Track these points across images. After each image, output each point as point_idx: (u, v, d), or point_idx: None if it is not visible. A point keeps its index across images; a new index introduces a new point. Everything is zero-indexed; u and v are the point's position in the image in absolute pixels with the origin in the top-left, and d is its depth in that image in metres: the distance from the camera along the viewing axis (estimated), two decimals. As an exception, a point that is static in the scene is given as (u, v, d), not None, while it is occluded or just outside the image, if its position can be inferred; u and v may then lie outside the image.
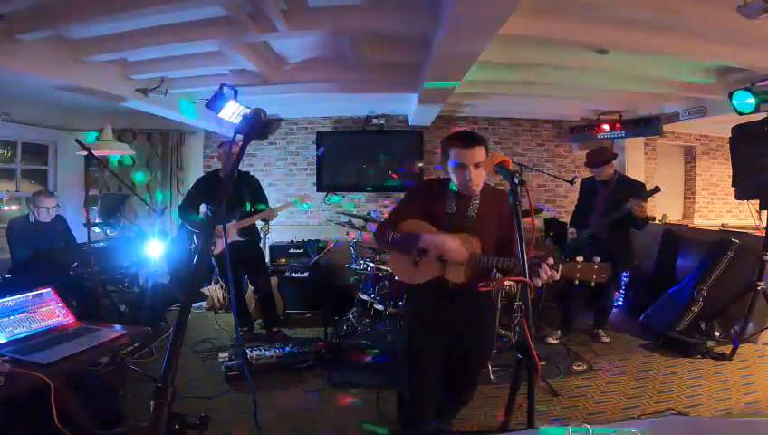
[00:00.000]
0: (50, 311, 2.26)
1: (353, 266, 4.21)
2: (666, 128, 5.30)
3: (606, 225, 3.60)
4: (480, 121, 5.91)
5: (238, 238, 3.70)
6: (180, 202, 4.40)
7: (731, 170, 3.76)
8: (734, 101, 3.56)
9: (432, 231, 1.91)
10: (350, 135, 5.85)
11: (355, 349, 3.58)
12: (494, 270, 1.91)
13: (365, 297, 4.01)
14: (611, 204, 3.60)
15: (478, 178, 1.88)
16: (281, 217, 4.19)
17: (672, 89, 4.09)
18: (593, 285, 1.71)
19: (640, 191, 3.51)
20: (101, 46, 3.08)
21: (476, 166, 1.84)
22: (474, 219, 1.93)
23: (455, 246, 1.83)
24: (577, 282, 1.70)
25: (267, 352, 3.30)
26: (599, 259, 1.68)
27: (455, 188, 1.95)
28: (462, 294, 1.94)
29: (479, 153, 1.83)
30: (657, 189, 3.49)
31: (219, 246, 3.65)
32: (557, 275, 1.65)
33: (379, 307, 3.82)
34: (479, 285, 1.88)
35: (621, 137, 5.41)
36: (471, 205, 1.94)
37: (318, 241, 5.17)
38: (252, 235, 3.89)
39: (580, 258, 1.69)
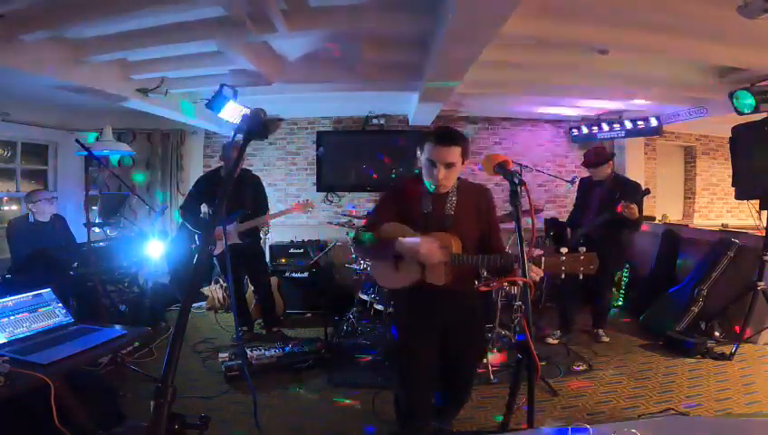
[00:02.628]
0: (50, 311, 2.26)
1: (354, 266, 4.21)
2: (666, 128, 5.30)
3: (598, 225, 3.60)
4: (480, 121, 5.92)
5: (238, 241, 3.70)
6: (181, 202, 4.40)
7: (731, 170, 3.76)
8: (734, 101, 3.56)
9: (409, 234, 1.84)
10: (350, 135, 5.86)
11: (355, 349, 3.58)
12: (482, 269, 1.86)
13: (365, 297, 4.01)
14: (605, 204, 3.60)
15: (447, 179, 1.82)
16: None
17: (672, 89, 4.09)
18: (581, 277, 1.64)
19: (634, 192, 3.51)
20: (101, 46, 3.08)
21: (448, 166, 1.78)
22: (452, 217, 1.87)
23: (427, 249, 1.74)
24: (563, 275, 1.63)
25: (267, 352, 3.30)
26: (584, 249, 1.62)
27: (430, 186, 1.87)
28: (448, 294, 1.87)
29: (453, 153, 1.77)
30: (647, 192, 3.54)
31: (219, 247, 3.65)
32: (540, 271, 1.59)
33: (379, 307, 3.82)
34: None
35: (621, 137, 5.42)
36: (448, 202, 1.88)
37: (318, 241, 5.17)
38: (252, 236, 3.89)
39: (564, 249, 1.62)
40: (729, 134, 3.72)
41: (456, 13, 2.20)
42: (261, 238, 4.10)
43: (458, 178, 1.91)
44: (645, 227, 4.33)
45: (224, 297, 4.86)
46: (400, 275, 1.90)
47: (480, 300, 2.25)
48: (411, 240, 1.79)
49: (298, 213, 3.98)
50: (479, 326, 2.14)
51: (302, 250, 5.01)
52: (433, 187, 1.86)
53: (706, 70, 3.80)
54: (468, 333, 2.01)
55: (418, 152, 1.87)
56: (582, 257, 1.62)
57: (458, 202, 1.88)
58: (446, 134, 1.80)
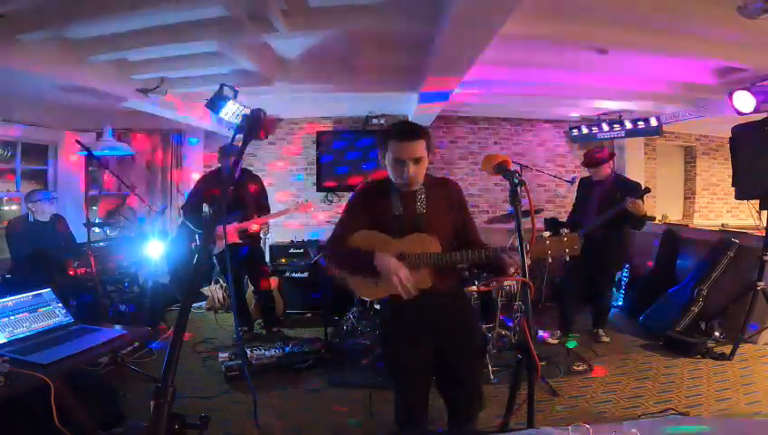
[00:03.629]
0: (50, 311, 2.26)
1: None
2: (666, 128, 5.30)
3: (600, 224, 3.60)
4: (480, 121, 5.92)
5: (238, 240, 3.69)
6: (182, 202, 4.40)
7: (731, 170, 3.75)
8: (734, 101, 3.56)
9: (384, 243, 1.76)
10: (350, 135, 5.86)
11: (355, 349, 3.58)
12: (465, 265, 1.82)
13: (365, 297, 4.00)
14: (606, 203, 3.59)
15: (418, 175, 1.74)
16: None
17: (672, 89, 4.09)
18: (567, 259, 1.63)
19: (635, 191, 3.51)
20: (101, 46, 3.08)
21: (416, 161, 1.70)
22: (425, 216, 1.79)
23: (401, 277, 1.63)
24: (550, 260, 1.62)
25: (267, 352, 3.30)
26: (566, 230, 1.63)
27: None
28: (433, 296, 1.79)
29: (419, 147, 1.70)
30: (647, 190, 3.54)
31: (219, 246, 3.65)
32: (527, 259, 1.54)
33: (379, 307, 3.82)
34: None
35: (621, 137, 5.42)
36: (418, 201, 1.80)
37: (318, 241, 5.17)
38: (251, 236, 3.88)
39: (546, 233, 1.63)
40: (729, 134, 3.72)
41: (455, 13, 2.21)
42: (261, 239, 4.10)
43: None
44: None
45: (224, 297, 4.86)
46: (380, 286, 1.76)
47: (467, 299, 2.20)
48: (391, 262, 1.68)
49: (297, 213, 3.98)
50: (470, 326, 2.09)
51: (301, 250, 5.01)
52: (396, 185, 1.79)
53: (706, 70, 3.80)
54: (459, 334, 1.94)
55: (380, 154, 1.80)
56: (565, 239, 1.61)
57: (428, 198, 1.81)
58: (408, 129, 1.73)
